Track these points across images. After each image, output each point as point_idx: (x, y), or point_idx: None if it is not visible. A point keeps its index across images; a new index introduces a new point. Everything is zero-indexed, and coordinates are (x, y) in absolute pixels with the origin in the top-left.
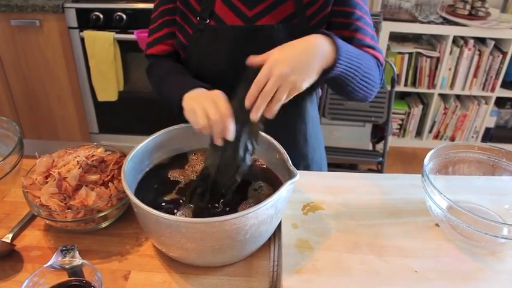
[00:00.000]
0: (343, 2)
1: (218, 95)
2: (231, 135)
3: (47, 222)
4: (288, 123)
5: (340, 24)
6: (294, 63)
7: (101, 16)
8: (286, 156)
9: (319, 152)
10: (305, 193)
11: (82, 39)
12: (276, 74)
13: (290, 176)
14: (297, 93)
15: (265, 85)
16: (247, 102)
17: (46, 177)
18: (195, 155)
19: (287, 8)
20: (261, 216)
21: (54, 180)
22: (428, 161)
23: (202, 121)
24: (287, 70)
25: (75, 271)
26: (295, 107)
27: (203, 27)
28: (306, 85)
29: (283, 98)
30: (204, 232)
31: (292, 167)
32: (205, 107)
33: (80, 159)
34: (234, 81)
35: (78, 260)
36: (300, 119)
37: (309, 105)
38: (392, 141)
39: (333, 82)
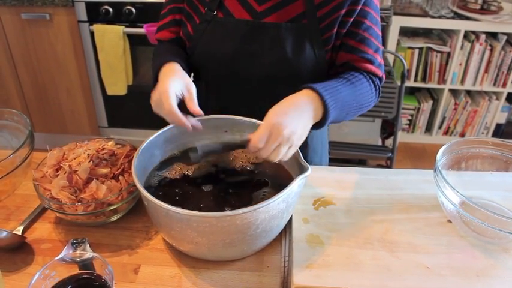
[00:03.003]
0: (355, 11)
1: (163, 92)
2: (188, 128)
3: (57, 215)
4: None
5: (348, 32)
6: (291, 125)
7: (111, 10)
8: (298, 150)
9: (320, 154)
10: (316, 188)
11: (91, 33)
12: (277, 135)
13: (301, 170)
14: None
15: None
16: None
17: (57, 170)
18: None
19: (297, 7)
20: (272, 210)
21: (65, 173)
22: (441, 156)
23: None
24: (286, 133)
25: (85, 264)
26: None
27: (210, 19)
28: (301, 143)
29: (280, 158)
30: (215, 226)
31: (303, 162)
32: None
33: (90, 153)
34: (237, 74)
35: (88, 253)
36: None
37: None
38: (401, 136)
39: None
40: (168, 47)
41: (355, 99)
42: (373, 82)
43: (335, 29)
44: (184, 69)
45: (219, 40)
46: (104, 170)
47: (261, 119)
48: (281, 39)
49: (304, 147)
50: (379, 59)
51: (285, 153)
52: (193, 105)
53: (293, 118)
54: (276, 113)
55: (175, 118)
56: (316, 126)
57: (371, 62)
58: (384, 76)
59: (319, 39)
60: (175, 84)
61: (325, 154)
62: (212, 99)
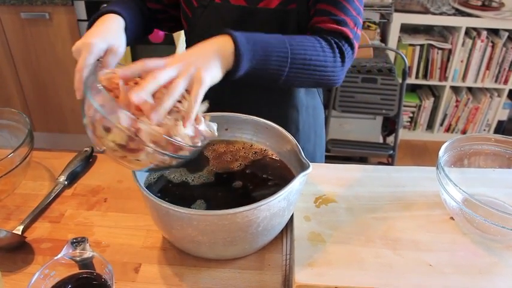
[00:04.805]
0: None
1: (87, 45)
2: (76, 93)
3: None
4: (278, 110)
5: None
6: (193, 56)
7: None
8: (299, 147)
9: (313, 142)
10: (317, 185)
11: None
12: (176, 61)
13: (302, 167)
14: (202, 89)
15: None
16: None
17: None
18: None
19: None
20: (273, 208)
21: None
22: (443, 153)
23: None
24: (186, 60)
25: (85, 263)
26: (284, 94)
27: (206, 4)
28: (208, 77)
29: (180, 89)
30: (215, 224)
31: (304, 159)
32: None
33: None
34: None
35: (88, 253)
36: (291, 107)
37: (303, 94)
38: (403, 134)
39: (253, 78)
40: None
41: (289, 49)
42: (330, 42)
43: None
44: (129, 26)
45: (213, 25)
46: None
47: (253, 105)
48: (272, 25)
49: (295, 134)
50: (351, 24)
51: (184, 87)
52: (106, 64)
53: (196, 51)
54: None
55: (77, 77)
56: (232, 72)
57: (338, 22)
58: (356, 45)
59: (308, 20)
60: (103, 44)
61: (321, 144)
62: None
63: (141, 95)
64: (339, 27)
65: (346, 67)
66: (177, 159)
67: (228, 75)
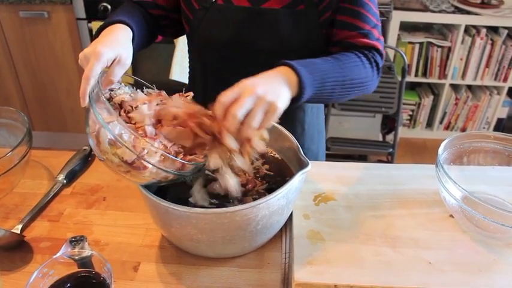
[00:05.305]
0: None
1: (96, 54)
2: (81, 101)
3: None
4: (285, 110)
5: (343, 9)
6: (265, 85)
7: (109, 7)
8: (298, 145)
9: (317, 142)
10: (317, 183)
11: (90, 30)
12: (250, 92)
13: (301, 166)
14: (277, 116)
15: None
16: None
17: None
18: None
19: None
20: (272, 206)
21: None
22: (442, 151)
23: None
24: (260, 90)
25: (84, 262)
26: None
27: (208, 5)
28: (282, 105)
29: (259, 120)
30: (215, 223)
31: (303, 157)
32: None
33: None
34: (236, 60)
35: (87, 251)
36: (298, 107)
37: None
38: (402, 132)
39: (310, 101)
40: (130, 8)
41: (340, 72)
42: (368, 57)
43: (331, 12)
44: (136, 36)
45: (217, 27)
46: None
47: None
48: (278, 25)
49: (300, 135)
50: (377, 34)
51: (262, 118)
52: (112, 74)
53: (265, 80)
54: (247, 79)
55: (83, 85)
56: (295, 100)
57: (367, 36)
58: (384, 52)
59: (317, 23)
60: (111, 53)
61: (322, 142)
62: (211, 83)
63: (231, 139)
64: (370, 42)
65: (379, 76)
66: (179, 175)
67: (292, 103)
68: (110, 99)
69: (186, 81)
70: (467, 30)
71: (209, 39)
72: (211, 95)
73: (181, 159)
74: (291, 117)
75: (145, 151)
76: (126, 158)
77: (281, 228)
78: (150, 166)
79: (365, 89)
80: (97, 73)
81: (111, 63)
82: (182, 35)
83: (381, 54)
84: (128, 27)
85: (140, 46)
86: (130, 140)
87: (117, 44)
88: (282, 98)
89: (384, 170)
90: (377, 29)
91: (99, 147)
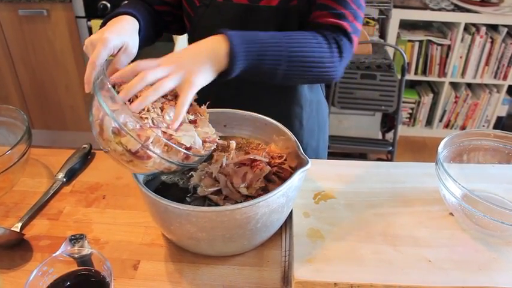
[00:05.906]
0: None
1: (103, 40)
2: (86, 87)
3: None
4: (281, 106)
5: None
6: (187, 59)
7: (108, 5)
8: (297, 143)
9: (317, 138)
10: (316, 182)
11: (90, 29)
12: (168, 63)
13: (301, 164)
14: (192, 91)
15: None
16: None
17: None
18: None
19: None
20: (272, 204)
21: None
22: (442, 149)
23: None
24: (180, 64)
25: (84, 260)
26: (287, 89)
27: (208, 2)
28: (199, 82)
29: (167, 88)
30: (214, 221)
31: (303, 155)
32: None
33: None
34: None
35: (87, 249)
36: (295, 103)
37: (307, 89)
38: (402, 130)
39: (248, 76)
40: (136, 3)
41: (286, 47)
42: (327, 37)
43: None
44: (142, 29)
45: (216, 24)
46: None
47: (257, 102)
48: (272, 22)
49: (299, 129)
50: (350, 17)
51: (170, 88)
52: (118, 62)
53: (189, 53)
54: (175, 52)
55: (88, 71)
56: (228, 72)
57: (337, 16)
58: (355, 38)
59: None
60: (117, 40)
61: (324, 138)
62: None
63: (128, 94)
64: (337, 21)
65: (345, 61)
66: (182, 166)
67: (222, 76)
68: (114, 86)
69: None
70: (467, 28)
71: (209, 36)
72: (211, 91)
73: (185, 150)
74: (288, 113)
75: (150, 140)
76: (130, 147)
77: (281, 227)
78: (154, 156)
79: (323, 72)
80: (103, 59)
81: (118, 52)
82: (186, 32)
83: (349, 38)
84: (135, 19)
85: (145, 40)
86: (135, 128)
87: (124, 33)
88: (201, 73)
89: (383, 168)
90: (353, 13)
91: (102, 136)
